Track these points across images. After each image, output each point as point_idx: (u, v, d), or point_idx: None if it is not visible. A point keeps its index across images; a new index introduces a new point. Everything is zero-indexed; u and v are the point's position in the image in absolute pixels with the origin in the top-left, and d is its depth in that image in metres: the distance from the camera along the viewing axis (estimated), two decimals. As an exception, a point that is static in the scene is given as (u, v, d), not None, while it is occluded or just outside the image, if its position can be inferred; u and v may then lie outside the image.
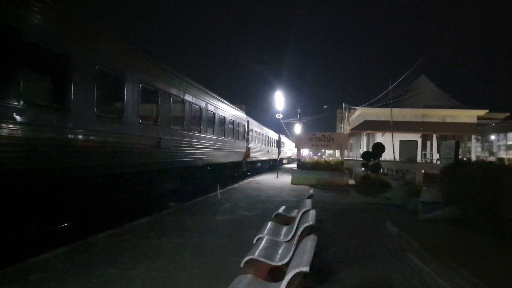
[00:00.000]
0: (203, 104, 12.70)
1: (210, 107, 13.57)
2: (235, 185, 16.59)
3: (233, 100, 21.08)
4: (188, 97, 11.22)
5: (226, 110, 16.20)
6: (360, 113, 38.61)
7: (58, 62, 5.95)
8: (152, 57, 9.38)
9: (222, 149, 15.44)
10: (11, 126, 4.95)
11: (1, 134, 4.79)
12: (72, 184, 6.58)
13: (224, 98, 16.41)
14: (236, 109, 18.68)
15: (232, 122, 17.24)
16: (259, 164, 27.76)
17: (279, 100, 23.67)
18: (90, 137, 6.61)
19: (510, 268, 4.71)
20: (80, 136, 6.37)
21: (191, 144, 11.50)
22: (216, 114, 14.35)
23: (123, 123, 7.64)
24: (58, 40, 5.91)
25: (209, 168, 14.26)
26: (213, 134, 13.91)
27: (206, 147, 13.08)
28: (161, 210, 9.24)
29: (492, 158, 38.15)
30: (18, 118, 5.02)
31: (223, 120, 15.51)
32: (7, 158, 4.95)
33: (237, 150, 18.28)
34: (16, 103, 4.98)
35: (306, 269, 2.42)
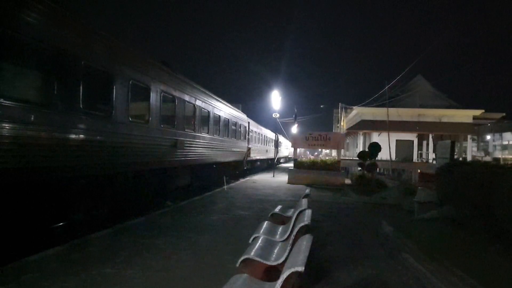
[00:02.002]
0: (210, 108, 14.00)
1: (216, 111, 14.90)
2: (232, 184, 16.59)
3: (230, 98, 21.30)
4: (198, 103, 12.56)
5: (230, 113, 17.38)
6: (357, 113, 38.67)
7: (105, 80, 7.27)
8: (169, 67, 10.54)
9: (226, 149, 16.66)
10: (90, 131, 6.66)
11: (88, 137, 6.55)
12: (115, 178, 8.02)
13: (224, 99, 17.03)
14: (238, 111, 19.96)
15: (235, 124, 18.45)
16: (258, 163, 28.84)
17: (276, 99, 23.70)
18: (127, 140, 7.86)
19: (505, 267, 4.74)
20: (120, 139, 7.62)
21: (200, 145, 12.81)
22: (221, 117, 15.65)
23: (149, 127, 8.94)
24: (105, 61, 7.17)
25: (214, 166, 15.52)
26: (218, 135, 15.18)
27: (213, 147, 14.33)
28: (157, 209, 9.22)
29: (487, 158, 38.38)
30: (89, 126, 6.62)
31: (227, 122, 16.70)
32: (88, 156, 6.64)
33: (239, 150, 19.45)
34: (83, 115, 6.44)
35: (301, 269, 2.43)
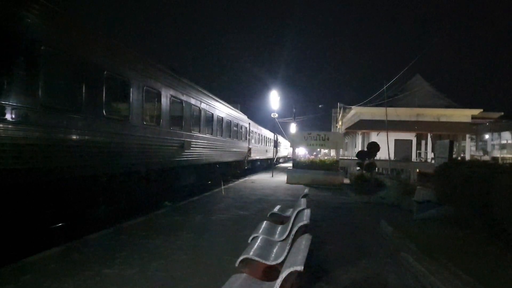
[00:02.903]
0: (213, 110, 14.83)
1: (219, 113, 15.76)
2: (230, 184, 16.59)
3: (228, 97, 21.61)
4: (203, 105, 13.40)
5: (232, 114, 18.29)
6: (355, 113, 38.68)
7: (123, 87, 8.10)
8: (176, 73, 11.25)
9: (229, 149, 17.60)
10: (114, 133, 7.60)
11: (113, 139, 7.51)
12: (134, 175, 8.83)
13: (225, 101, 17.56)
14: (239, 113, 20.84)
15: (236, 125, 19.32)
16: (258, 162, 29.58)
17: (274, 99, 23.68)
18: (141, 141, 8.68)
19: (503, 266, 4.75)
20: (135, 141, 8.42)
21: (205, 145, 13.67)
22: (224, 119, 16.53)
23: (161, 130, 9.73)
24: (124, 70, 8.00)
25: (218, 166, 16.47)
26: (221, 136, 16.12)
27: (216, 147, 15.23)
28: (156, 209, 9.21)
29: (486, 157, 38.43)
30: (112, 129, 7.52)
31: (229, 124, 17.61)
32: (115, 156, 7.67)
33: (240, 150, 20.39)
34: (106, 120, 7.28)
35: (300, 268, 2.43)
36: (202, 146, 13.29)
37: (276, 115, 24.24)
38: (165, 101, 9.97)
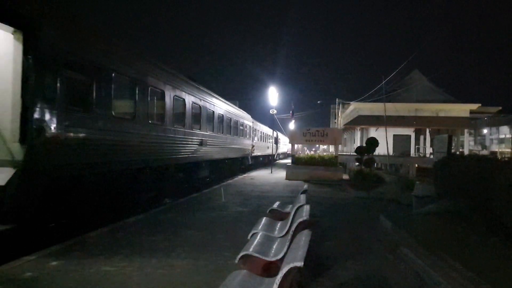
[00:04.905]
0: (223, 112, 16.68)
1: (228, 114, 17.70)
2: (229, 181, 16.59)
3: (226, 94, 21.86)
4: (215, 108, 15.30)
5: (238, 115, 20.24)
6: (354, 108, 38.68)
7: (161, 97, 9.89)
8: (195, 81, 13.28)
9: (236, 146, 19.46)
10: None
11: (157, 140, 9.47)
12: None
13: (224, 97, 18.45)
14: (244, 113, 22.75)
15: (242, 124, 21.21)
16: (261, 158, 31.38)
17: (273, 95, 23.59)
18: (172, 141, 10.45)
19: (502, 260, 4.77)
20: (168, 141, 10.19)
21: (217, 143, 15.49)
22: (232, 119, 18.46)
23: (185, 130, 11.53)
24: (160, 84, 9.74)
25: (226, 161, 18.42)
26: (230, 134, 18.03)
27: (226, 145, 17.07)
28: (155, 207, 9.21)
29: (484, 152, 38.54)
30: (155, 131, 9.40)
31: (236, 124, 19.46)
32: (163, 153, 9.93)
33: (245, 147, 22.27)
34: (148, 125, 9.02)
35: (300, 264, 2.42)
36: (215, 144, 15.07)
37: (275, 111, 24.15)
38: (188, 106, 11.85)
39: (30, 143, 5.32)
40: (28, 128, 5.29)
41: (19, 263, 4.60)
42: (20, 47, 5.31)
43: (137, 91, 8.43)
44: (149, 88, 9.02)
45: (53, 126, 5.73)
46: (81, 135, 6.48)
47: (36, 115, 5.39)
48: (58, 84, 5.88)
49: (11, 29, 5.26)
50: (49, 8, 5.98)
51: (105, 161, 7.25)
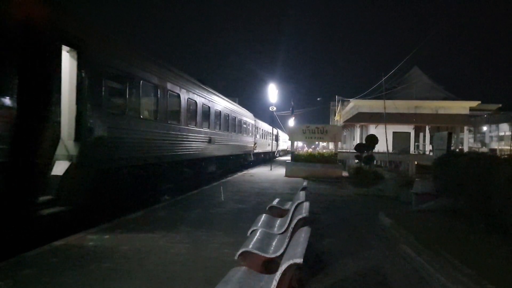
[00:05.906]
0: (229, 112, 17.96)
1: (233, 114, 19.03)
2: (229, 178, 16.60)
3: (226, 91, 22.16)
4: (222, 108, 16.57)
5: (241, 113, 21.50)
6: (354, 105, 38.68)
7: (177, 100, 11.17)
8: (204, 84, 14.49)
9: (239, 143, 20.79)
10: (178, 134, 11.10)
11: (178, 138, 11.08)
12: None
13: (224, 94, 18.75)
14: (247, 111, 23.92)
15: (245, 122, 22.58)
16: (262, 155, 32.30)
17: (273, 92, 23.55)
18: (186, 138, 11.74)
19: (502, 258, 4.77)
20: (183, 139, 11.44)
21: (223, 141, 16.73)
22: (236, 118, 19.80)
23: (196, 129, 12.73)
24: (176, 88, 10.99)
25: (231, 157, 19.79)
26: (235, 132, 19.40)
27: (230, 142, 18.36)
28: (154, 204, 9.21)
29: (484, 149, 38.59)
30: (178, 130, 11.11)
31: (240, 122, 20.82)
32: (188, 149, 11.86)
33: (248, 145, 23.62)
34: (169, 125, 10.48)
35: (299, 261, 2.42)
36: (222, 142, 16.29)
37: (275, 108, 24.14)
38: (199, 107, 13.13)
39: (83, 141, 6.51)
40: (81, 129, 6.49)
41: (19, 259, 4.61)
42: (74, 63, 6.41)
43: (159, 96, 9.72)
44: (168, 92, 10.32)
45: (99, 127, 7.00)
46: (118, 134, 7.75)
47: (87, 119, 6.60)
48: (103, 93, 7.16)
49: (67, 48, 6.26)
50: (94, 28, 7.31)
51: (136, 156, 8.56)
